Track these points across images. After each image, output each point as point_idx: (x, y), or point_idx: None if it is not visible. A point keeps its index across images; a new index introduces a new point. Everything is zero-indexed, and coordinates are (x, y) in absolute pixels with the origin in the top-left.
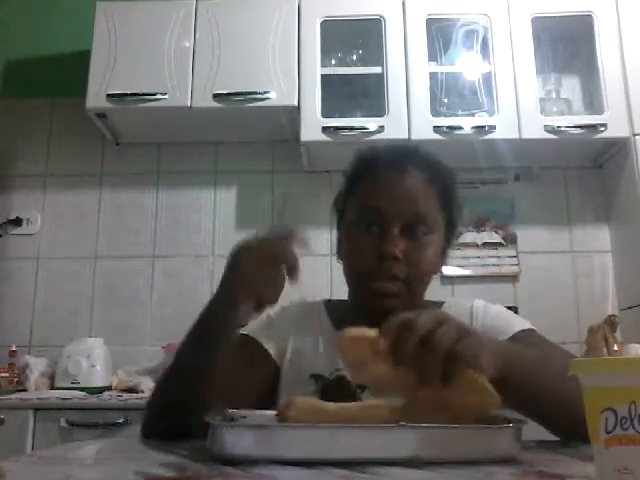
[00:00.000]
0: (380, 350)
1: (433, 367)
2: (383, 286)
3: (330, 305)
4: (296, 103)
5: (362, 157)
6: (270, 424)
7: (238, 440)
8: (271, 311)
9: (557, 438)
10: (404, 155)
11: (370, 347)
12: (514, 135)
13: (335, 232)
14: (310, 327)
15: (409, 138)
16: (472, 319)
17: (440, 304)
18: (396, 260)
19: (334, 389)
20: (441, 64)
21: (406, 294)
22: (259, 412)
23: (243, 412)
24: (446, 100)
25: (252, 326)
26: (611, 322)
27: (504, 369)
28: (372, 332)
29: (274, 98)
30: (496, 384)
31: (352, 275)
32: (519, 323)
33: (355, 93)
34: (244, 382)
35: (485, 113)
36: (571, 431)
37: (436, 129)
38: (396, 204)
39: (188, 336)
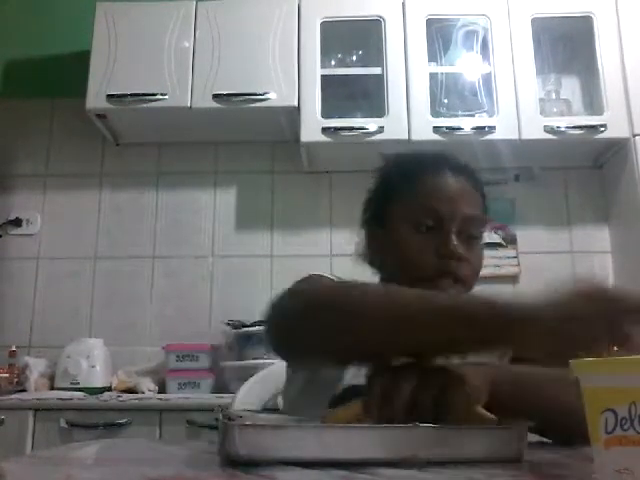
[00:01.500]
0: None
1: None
2: (448, 286)
3: None
4: (296, 104)
5: (410, 161)
6: (280, 424)
7: (249, 440)
8: None
9: None
10: (449, 160)
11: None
12: (514, 136)
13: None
14: None
15: (409, 139)
16: None
17: None
18: (460, 260)
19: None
20: (441, 65)
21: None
22: (252, 413)
23: (240, 412)
24: (446, 101)
25: None
26: None
27: (499, 386)
28: (356, 412)
29: (274, 99)
30: (491, 404)
31: (410, 277)
32: None
33: (355, 94)
34: None
35: (485, 114)
36: (572, 439)
37: (436, 130)
38: (457, 206)
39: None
